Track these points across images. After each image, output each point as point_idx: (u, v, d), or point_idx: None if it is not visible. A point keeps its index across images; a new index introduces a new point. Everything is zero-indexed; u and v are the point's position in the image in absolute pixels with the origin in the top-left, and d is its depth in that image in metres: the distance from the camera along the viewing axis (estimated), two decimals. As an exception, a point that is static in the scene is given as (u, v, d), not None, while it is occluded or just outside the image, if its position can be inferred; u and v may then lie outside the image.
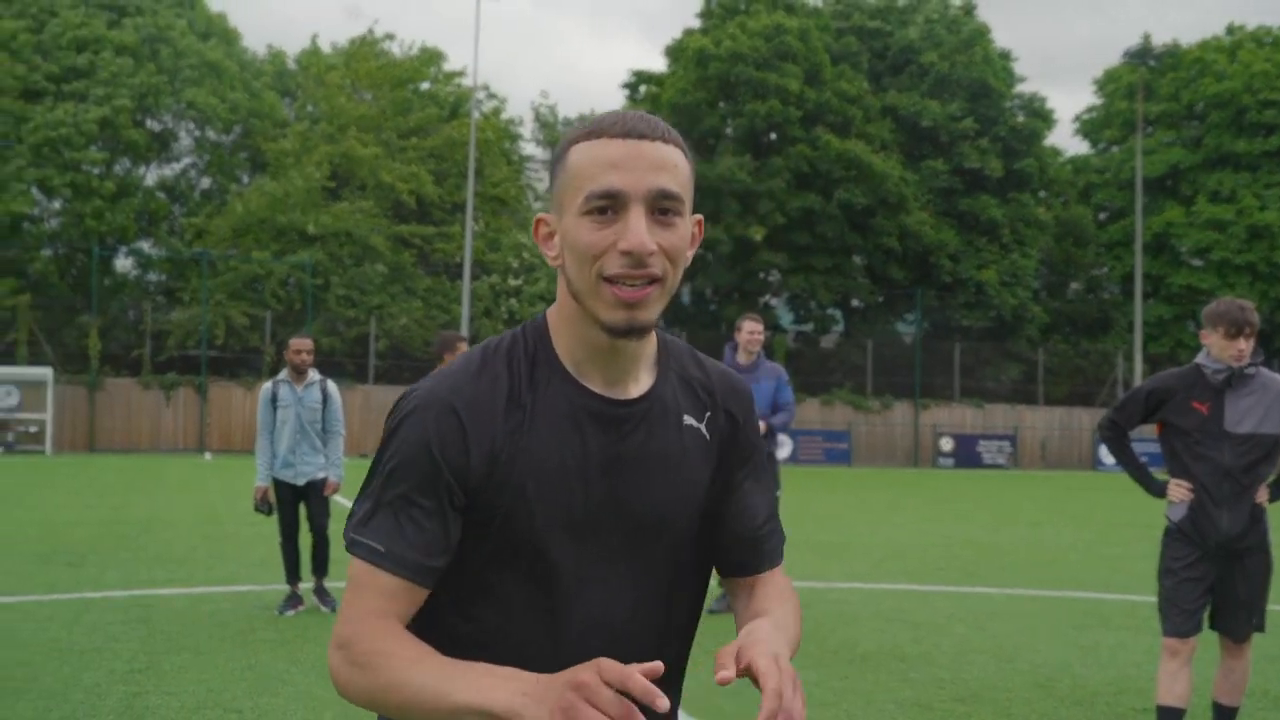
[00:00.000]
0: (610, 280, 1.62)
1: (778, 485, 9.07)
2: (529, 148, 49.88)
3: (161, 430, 34.32)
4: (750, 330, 9.20)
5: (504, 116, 45.68)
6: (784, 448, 36.30)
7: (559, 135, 51.03)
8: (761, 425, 8.71)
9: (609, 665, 1.42)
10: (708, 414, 1.82)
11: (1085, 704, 6.61)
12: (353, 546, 1.67)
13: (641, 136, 1.65)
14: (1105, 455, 38.23)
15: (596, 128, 1.68)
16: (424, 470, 1.65)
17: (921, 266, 42.22)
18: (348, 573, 1.70)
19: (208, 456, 33.03)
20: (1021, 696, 6.76)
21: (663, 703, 1.38)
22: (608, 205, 1.63)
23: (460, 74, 43.93)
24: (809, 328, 44.28)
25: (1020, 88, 45.04)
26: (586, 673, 1.42)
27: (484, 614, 1.70)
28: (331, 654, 1.67)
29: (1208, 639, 5.58)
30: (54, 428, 32.81)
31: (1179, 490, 5.40)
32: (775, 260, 40.93)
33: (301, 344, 9.15)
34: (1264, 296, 42.25)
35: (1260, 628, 5.51)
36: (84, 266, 38.81)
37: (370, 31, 43.19)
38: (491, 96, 46.07)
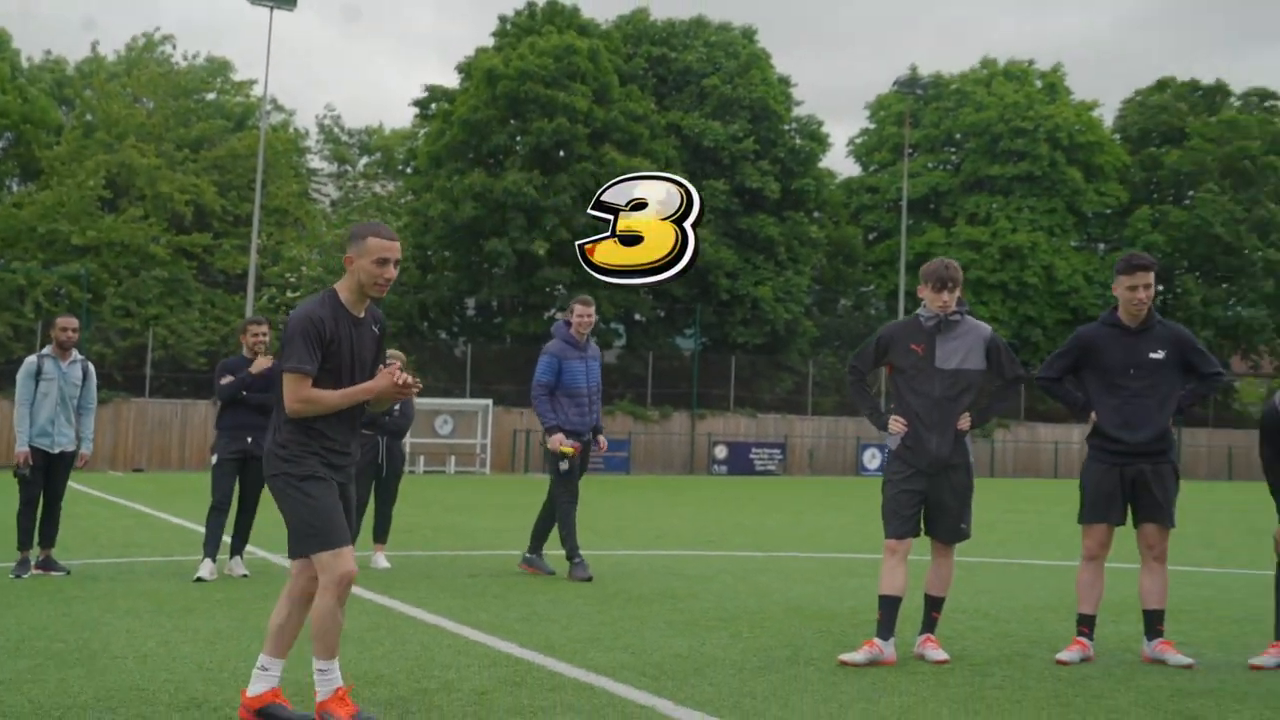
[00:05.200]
0: (377, 283, 4.86)
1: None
2: (314, 161, 49.69)
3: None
4: (580, 313, 9.89)
5: (292, 129, 45.38)
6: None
7: (346, 150, 51.16)
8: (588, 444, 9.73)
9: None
10: (376, 327, 5.00)
11: (829, 619, 7.61)
12: (290, 370, 4.74)
13: (392, 239, 4.86)
14: (868, 461, 40.34)
15: (377, 231, 4.85)
16: (314, 337, 4.75)
17: (701, 283, 43.61)
18: (286, 380, 4.80)
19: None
20: (774, 616, 7.75)
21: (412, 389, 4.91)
22: (383, 261, 4.83)
23: (251, 83, 43.50)
24: (593, 341, 45.12)
25: (798, 111, 47.04)
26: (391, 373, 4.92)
27: (332, 388, 4.84)
28: (296, 405, 4.76)
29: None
30: None
31: (897, 424, 6.49)
32: (560, 275, 41.74)
33: (68, 322, 9.65)
34: (1014, 313, 45.31)
35: (967, 535, 6.59)
36: None
37: (150, 36, 42.35)
38: (279, 109, 45.78)
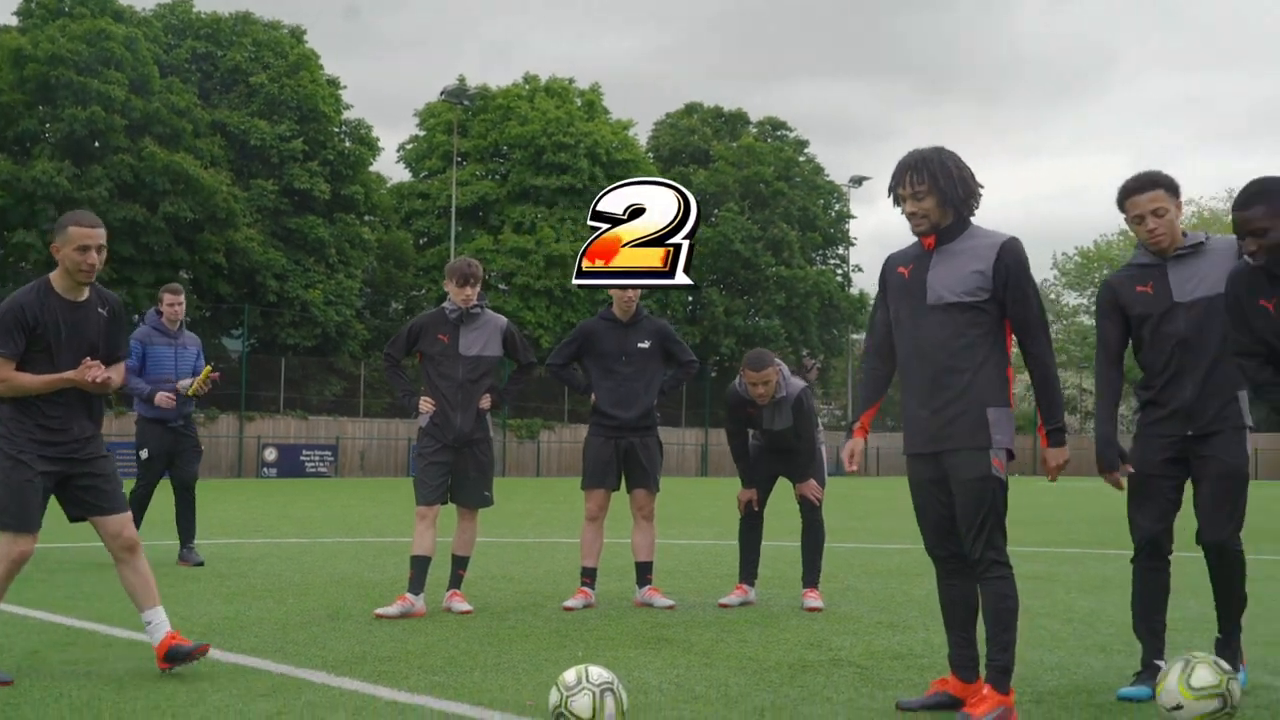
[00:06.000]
0: (81, 269, 5.29)
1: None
2: None
3: None
4: (170, 302, 10.02)
5: None
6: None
7: None
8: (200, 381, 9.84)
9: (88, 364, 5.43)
10: (103, 309, 5.47)
11: (368, 587, 8.36)
12: None
13: (95, 226, 5.33)
14: (420, 461, 41.15)
15: (80, 220, 5.33)
16: (13, 323, 5.24)
17: (249, 283, 42.95)
18: None
19: None
20: (316, 586, 8.46)
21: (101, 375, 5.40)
22: (84, 249, 5.28)
23: None
24: (132, 342, 43.32)
25: (347, 115, 47.15)
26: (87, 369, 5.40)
27: (40, 371, 5.32)
28: None
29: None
30: None
31: (426, 404, 7.35)
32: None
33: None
34: (558, 319, 47.56)
35: (490, 502, 7.54)
36: None
37: None
38: None
